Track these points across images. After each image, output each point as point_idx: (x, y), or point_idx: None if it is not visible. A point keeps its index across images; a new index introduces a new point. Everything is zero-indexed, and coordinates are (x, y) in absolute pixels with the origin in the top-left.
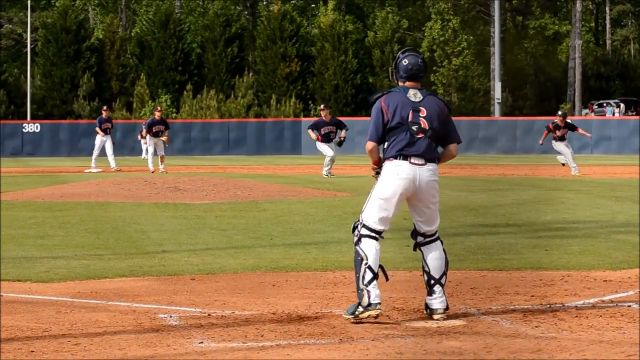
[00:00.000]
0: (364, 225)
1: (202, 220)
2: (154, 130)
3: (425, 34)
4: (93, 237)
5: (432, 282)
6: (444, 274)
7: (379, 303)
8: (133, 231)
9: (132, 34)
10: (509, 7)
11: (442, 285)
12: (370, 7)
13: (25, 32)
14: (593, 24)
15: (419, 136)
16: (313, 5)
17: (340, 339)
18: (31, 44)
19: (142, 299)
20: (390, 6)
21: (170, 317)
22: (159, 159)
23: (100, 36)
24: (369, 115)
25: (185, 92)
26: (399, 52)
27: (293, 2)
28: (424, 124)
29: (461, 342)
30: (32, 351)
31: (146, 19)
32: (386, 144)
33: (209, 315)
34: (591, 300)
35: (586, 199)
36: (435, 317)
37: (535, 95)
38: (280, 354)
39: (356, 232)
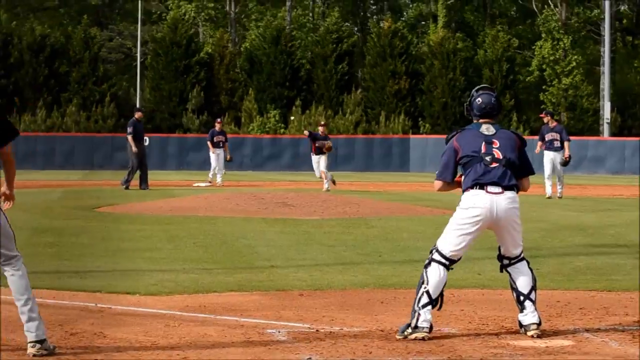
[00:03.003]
0: (437, 251)
1: (311, 236)
2: (215, 141)
3: (535, 53)
4: (201, 251)
5: (522, 298)
6: (533, 289)
7: (427, 327)
8: (241, 246)
9: (242, 49)
10: (619, 26)
11: (532, 301)
12: (480, 25)
13: (135, 45)
14: None
15: (493, 165)
16: (423, 23)
17: (449, 357)
18: (141, 58)
19: (250, 313)
20: (501, 24)
21: (279, 332)
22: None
23: (210, 51)
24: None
25: (294, 108)
26: (474, 90)
27: (403, 19)
28: (497, 154)
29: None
30: None
31: (256, 34)
32: (463, 177)
33: (317, 331)
34: None
35: None
36: (529, 333)
37: None
38: None
39: (429, 255)
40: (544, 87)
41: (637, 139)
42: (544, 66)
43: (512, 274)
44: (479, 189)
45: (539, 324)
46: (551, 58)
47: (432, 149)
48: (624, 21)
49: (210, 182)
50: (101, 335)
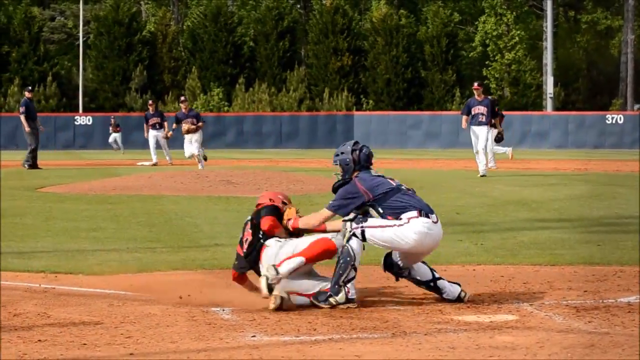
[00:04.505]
0: (362, 232)
1: None
2: (151, 123)
3: (479, 29)
4: (145, 230)
5: (432, 283)
6: (431, 269)
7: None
8: (186, 224)
9: (184, 27)
10: (561, 1)
11: (440, 277)
12: (422, 1)
13: (77, 25)
14: None
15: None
16: None
17: (393, 333)
18: (83, 37)
19: (194, 292)
20: (443, 0)
21: (223, 310)
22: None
23: (152, 29)
24: (420, 109)
25: (237, 86)
26: (349, 146)
27: None
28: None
29: (514, 336)
30: (84, 344)
31: (198, 12)
32: (382, 209)
33: (261, 309)
34: None
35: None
36: (465, 299)
37: (588, 89)
38: (332, 348)
39: (351, 231)
40: (487, 62)
41: (580, 113)
42: (487, 41)
43: (410, 275)
44: (425, 216)
45: (461, 288)
46: (494, 33)
47: (375, 126)
48: None
49: (155, 163)
50: (45, 315)
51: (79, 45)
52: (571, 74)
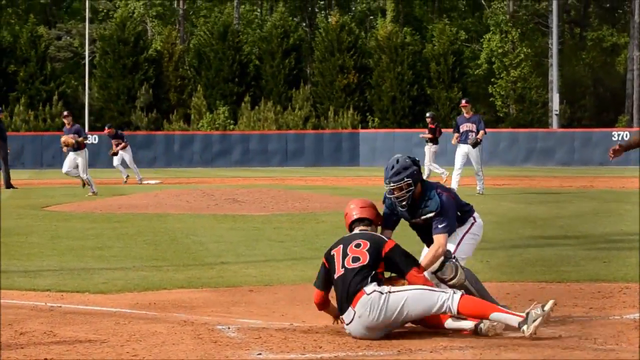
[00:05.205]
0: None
1: (261, 232)
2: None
3: (484, 46)
4: (151, 249)
5: None
6: None
7: None
8: (191, 242)
9: (190, 46)
10: (567, 18)
11: None
12: (429, 18)
13: (83, 44)
14: None
15: None
16: (371, 17)
17: (399, 351)
18: (89, 56)
19: (200, 310)
20: (449, 18)
21: (229, 328)
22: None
23: (159, 48)
24: (425, 127)
25: (243, 104)
26: (406, 159)
27: (351, 14)
28: None
29: (519, 353)
30: None
31: (204, 31)
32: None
33: (267, 327)
34: None
35: None
36: None
37: (594, 106)
38: None
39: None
40: (492, 79)
41: (586, 129)
42: (492, 59)
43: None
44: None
45: None
46: (499, 51)
47: (381, 143)
48: (572, 13)
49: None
50: (51, 334)
51: (84, 64)
52: (577, 91)
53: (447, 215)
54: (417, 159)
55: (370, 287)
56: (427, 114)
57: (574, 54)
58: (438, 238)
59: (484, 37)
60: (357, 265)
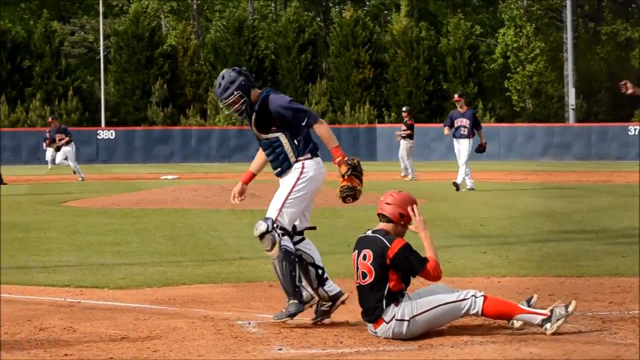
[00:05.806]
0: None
1: None
2: (58, 139)
3: (499, 41)
4: (170, 244)
5: (321, 271)
6: None
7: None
8: (210, 238)
9: (205, 41)
10: (581, 13)
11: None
12: (443, 13)
13: (98, 39)
14: None
15: None
16: (386, 12)
17: (420, 346)
18: (104, 52)
19: (220, 305)
20: (463, 12)
21: (249, 323)
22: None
23: (173, 43)
24: (442, 122)
25: None
26: (231, 72)
27: (366, 8)
28: None
29: (540, 348)
30: (110, 358)
31: (220, 26)
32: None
33: (287, 321)
34: None
35: None
36: (343, 298)
37: (610, 101)
38: None
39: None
40: (508, 74)
41: (602, 124)
42: (507, 53)
43: (305, 249)
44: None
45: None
46: (514, 45)
47: None
48: (586, 7)
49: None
50: (71, 329)
51: (99, 59)
52: (593, 85)
53: (295, 105)
54: (243, 69)
55: (389, 314)
56: (404, 108)
57: (588, 49)
58: (317, 127)
59: (499, 31)
60: (366, 282)
